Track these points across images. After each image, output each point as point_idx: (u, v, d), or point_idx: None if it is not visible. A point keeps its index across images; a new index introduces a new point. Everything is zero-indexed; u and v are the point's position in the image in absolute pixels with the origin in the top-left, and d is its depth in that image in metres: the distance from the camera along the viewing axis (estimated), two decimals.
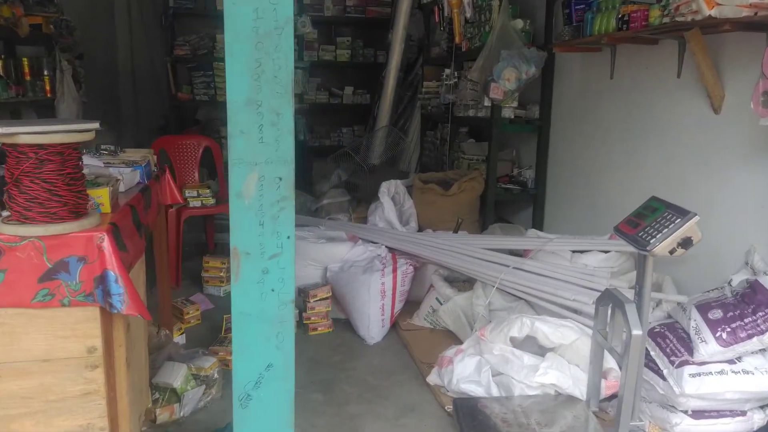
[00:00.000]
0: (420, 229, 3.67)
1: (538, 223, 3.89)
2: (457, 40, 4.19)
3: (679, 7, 2.21)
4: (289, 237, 1.34)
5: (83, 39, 5.58)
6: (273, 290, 1.35)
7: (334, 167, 4.95)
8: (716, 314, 2.05)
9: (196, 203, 3.57)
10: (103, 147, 2.32)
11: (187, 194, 3.54)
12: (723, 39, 2.38)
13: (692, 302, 2.17)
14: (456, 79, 4.23)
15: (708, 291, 2.25)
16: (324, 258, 3.13)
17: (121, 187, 1.84)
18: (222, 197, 3.87)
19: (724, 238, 2.43)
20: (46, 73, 4.18)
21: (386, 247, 3.19)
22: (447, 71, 4.31)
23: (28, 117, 4.28)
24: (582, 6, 2.93)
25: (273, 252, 1.33)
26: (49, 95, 4.15)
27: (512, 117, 3.73)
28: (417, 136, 5.28)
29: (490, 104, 3.64)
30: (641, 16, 2.45)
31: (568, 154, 3.64)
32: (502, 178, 3.97)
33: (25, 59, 3.89)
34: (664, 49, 2.73)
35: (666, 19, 2.33)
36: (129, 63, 6.67)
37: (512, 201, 4.13)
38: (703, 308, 2.10)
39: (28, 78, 3.92)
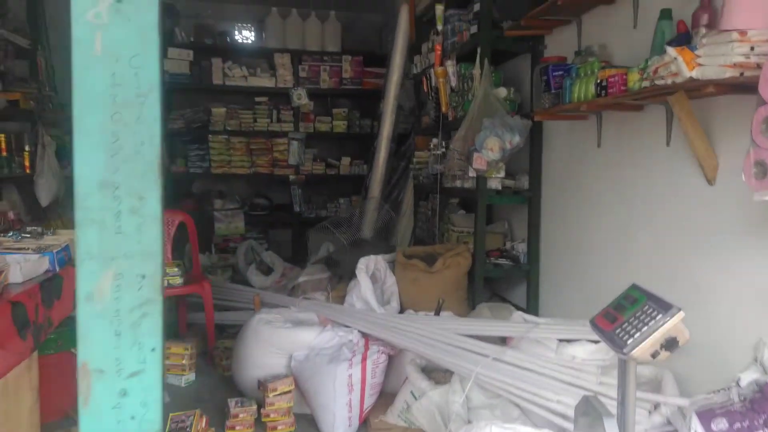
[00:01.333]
0: (402, 310, 3.37)
1: (532, 302, 3.57)
2: (443, 109, 4.04)
3: (658, 70, 1.99)
4: (154, 349, 1.08)
5: None
6: (133, 418, 1.08)
7: (323, 240, 4.74)
8: (721, 425, 1.70)
9: None
10: (28, 229, 2.14)
11: None
12: (711, 103, 2.14)
13: (693, 407, 1.82)
14: (444, 149, 4.04)
15: (713, 392, 1.90)
16: (289, 345, 2.84)
17: (17, 277, 1.62)
18: (194, 276, 3.66)
19: (729, 329, 2.09)
20: (27, 148, 4.12)
21: (359, 331, 2.90)
22: (435, 141, 4.14)
23: (9, 193, 4.20)
24: (560, 72, 2.74)
25: (133, 369, 1.07)
26: (27, 171, 4.07)
27: (499, 188, 3.50)
28: (411, 207, 5.07)
29: (474, 175, 3.42)
30: (619, 80, 2.24)
31: (560, 227, 3.36)
32: (492, 252, 3.69)
33: (1, 135, 3.82)
34: (651, 116, 2.50)
35: (645, 83, 2.11)
36: None
37: (504, 277, 3.84)
38: (706, 416, 1.75)
39: (4, 154, 3.85)
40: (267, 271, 5.04)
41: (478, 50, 3.43)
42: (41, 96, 4.11)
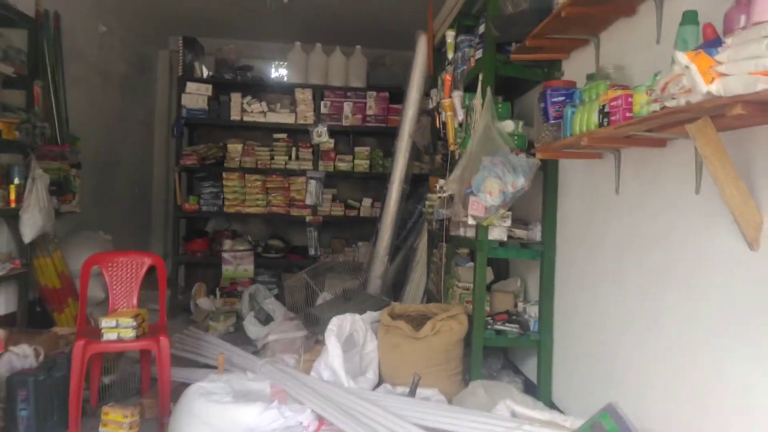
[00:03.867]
0: (380, 382, 2.82)
1: (544, 378, 2.92)
2: (450, 146, 3.53)
3: (667, 86, 1.43)
4: None
5: (101, 148, 5.54)
6: None
7: (320, 288, 4.26)
8: None
9: (111, 335, 2.95)
10: None
11: (103, 324, 2.94)
12: (749, 134, 1.54)
13: None
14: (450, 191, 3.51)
15: None
16: (226, 425, 2.34)
17: None
18: (155, 328, 3.25)
19: None
20: (16, 181, 3.93)
21: (313, 411, 2.37)
22: (441, 182, 3.62)
23: None
24: (560, 98, 2.20)
25: None
26: (12, 205, 3.86)
27: (504, 239, 2.92)
28: (425, 257, 4.52)
29: (474, 223, 2.87)
30: (623, 104, 1.68)
31: (576, 289, 2.73)
32: (499, 315, 3.08)
33: None
34: (676, 153, 1.91)
35: (655, 106, 1.54)
36: (137, 173, 6.60)
37: (510, 346, 3.20)
38: None
39: None
40: (266, 320, 4.59)
41: (479, 77, 2.93)
42: (32, 127, 3.92)
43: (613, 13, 2.21)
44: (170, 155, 6.41)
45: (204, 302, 5.20)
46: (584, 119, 1.94)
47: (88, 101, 5.33)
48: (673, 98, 1.40)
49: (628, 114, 1.66)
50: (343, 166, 5.81)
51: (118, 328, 2.98)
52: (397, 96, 5.72)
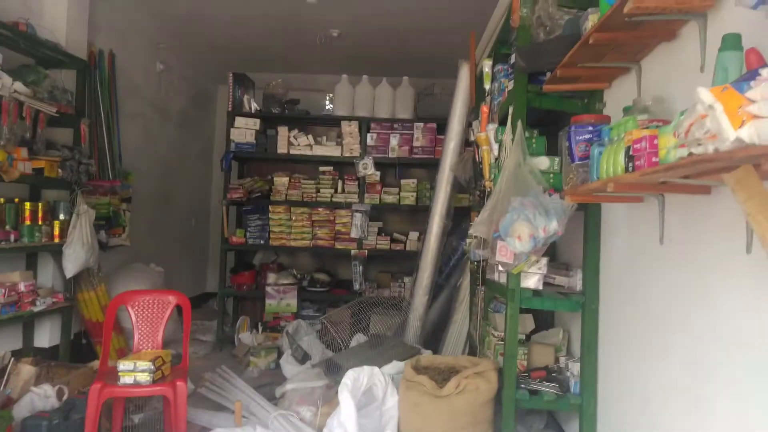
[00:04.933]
0: None
1: None
2: (486, 183, 3.29)
3: (691, 129, 1.15)
4: None
5: (156, 182, 5.69)
6: None
7: (365, 325, 4.07)
8: None
9: (127, 379, 2.88)
10: None
11: (120, 367, 2.89)
12: None
13: None
14: None
15: None
16: None
17: None
18: (177, 371, 3.16)
19: None
20: (62, 217, 4.04)
21: None
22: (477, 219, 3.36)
23: (44, 262, 4.14)
24: (587, 136, 1.92)
25: None
26: (57, 240, 3.96)
27: (539, 287, 2.63)
28: (467, 299, 4.24)
29: (503, 269, 2.60)
30: (648, 147, 1.40)
31: (624, 349, 2.39)
32: (536, 371, 2.77)
33: (27, 204, 3.76)
34: (722, 202, 1.59)
35: (682, 151, 1.26)
36: (194, 205, 6.73)
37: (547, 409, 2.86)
38: None
39: (28, 222, 3.77)
40: (303, 358, 4.44)
41: (510, 110, 2.69)
42: (77, 164, 4.03)
43: (651, 38, 1.93)
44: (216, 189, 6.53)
45: (246, 337, 5.14)
46: (610, 162, 1.67)
47: (145, 137, 5.50)
48: (699, 144, 1.13)
49: (654, 159, 1.39)
50: (389, 198, 5.65)
51: (135, 372, 2.91)
52: (446, 126, 5.53)
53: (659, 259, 2.01)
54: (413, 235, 5.66)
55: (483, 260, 3.29)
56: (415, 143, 5.64)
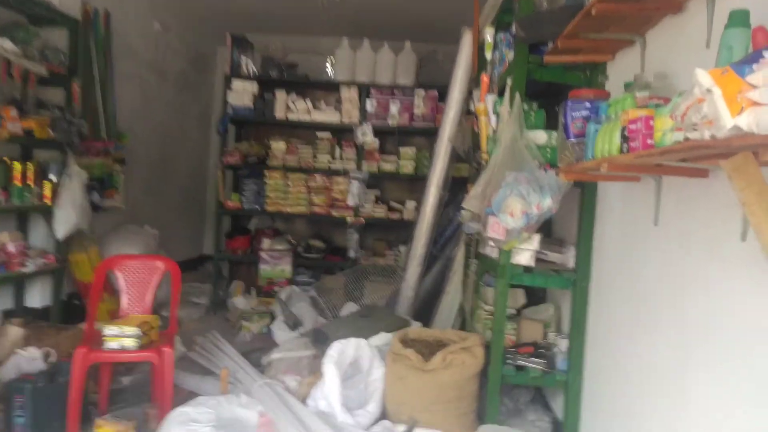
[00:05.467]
0: (382, 417, 2.58)
1: (570, 421, 2.57)
2: (482, 155, 3.21)
3: (687, 112, 1.09)
4: None
5: (153, 144, 5.61)
6: None
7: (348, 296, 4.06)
8: None
9: (113, 344, 2.86)
10: None
11: (105, 331, 2.87)
12: None
13: None
14: None
15: None
16: None
17: None
18: (164, 336, 3.14)
19: None
20: (52, 178, 3.98)
21: None
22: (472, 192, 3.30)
23: (36, 224, 4.10)
24: (584, 112, 1.85)
25: None
26: (47, 201, 3.91)
27: (531, 264, 2.58)
28: (461, 271, 4.21)
29: (495, 246, 2.56)
30: (643, 128, 1.34)
31: (612, 329, 2.36)
32: (523, 347, 2.75)
33: (16, 164, 3.70)
34: (719, 186, 1.53)
35: (678, 135, 1.20)
36: (192, 168, 6.66)
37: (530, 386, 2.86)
38: None
39: (18, 183, 3.71)
40: (294, 325, 4.45)
41: (508, 81, 2.60)
42: (68, 124, 3.96)
43: (656, 10, 1.83)
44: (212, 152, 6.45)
45: (239, 301, 5.16)
46: (606, 141, 1.60)
47: (141, 98, 5.39)
48: (696, 129, 1.06)
49: (649, 141, 1.32)
50: (387, 166, 5.58)
51: (121, 337, 2.90)
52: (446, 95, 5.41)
53: (653, 239, 1.96)
54: (410, 204, 5.61)
55: (477, 233, 3.24)
56: (416, 111, 5.53)
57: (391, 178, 5.83)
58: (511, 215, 2.36)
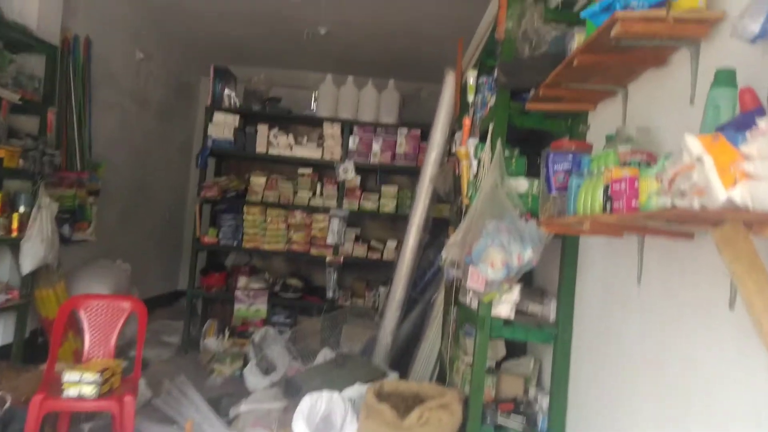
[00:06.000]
0: None
1: None
2: (464, 199, 3.14)
3: (675, 179, 1.01)
4: None
5: (130, 174, 5.47)
6: None
7: (324, 343, 3.91)
8: None
9: (72, 392, 2.68)
10: None
11: (65, 377, 2.69)
12: None
13: None
14: None
15: None
16: None
17: None
18: (127, 382, 2.96)
19: None
20: (21, 209, 3.83)
21: None
22: (452, 238, 3.21)
23: (1, 256, 3.93)
24: (565, 165, 1.78)
25: None
26: (14, 234, 3.75)
27: (511, 317, 2.49)
28: (440, 317, 4.09)
29: (474, 296, 2.46)
30: (627, 189, 1.26)
31: (595, 388, 2.26)
32: (504, 403, 2.63)
33: None
34: (706, 249, 1.46)
35: (665, 199, 1.12)
36: (170, 201, 6.52)
37: None
38: None
39: None
40: (268, 370, 4.27)
41: (490, 127, 2.55)
42: (40, 155, 3.82)
43: (639, 63, 1.79)
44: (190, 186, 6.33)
45: (211, 343, 4.96)
46: (588, 198, 1.53)
47: (120, 127, 5.27)
48: (683, 196, 0.99)
49: (633, 203, 1.24)
50: (368, 205, 5.50)
51: (80, 384, 2.73)
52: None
53: (636, 299, 1.88)
54: (391, 244, 5.51)
55: (457, 280, 3.15)
56: (398, 149, 5.49)
57: (371, 217, 5.75)
58: (491, 266, 2.27)
